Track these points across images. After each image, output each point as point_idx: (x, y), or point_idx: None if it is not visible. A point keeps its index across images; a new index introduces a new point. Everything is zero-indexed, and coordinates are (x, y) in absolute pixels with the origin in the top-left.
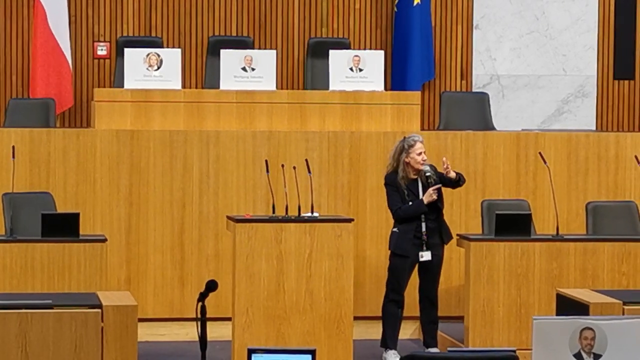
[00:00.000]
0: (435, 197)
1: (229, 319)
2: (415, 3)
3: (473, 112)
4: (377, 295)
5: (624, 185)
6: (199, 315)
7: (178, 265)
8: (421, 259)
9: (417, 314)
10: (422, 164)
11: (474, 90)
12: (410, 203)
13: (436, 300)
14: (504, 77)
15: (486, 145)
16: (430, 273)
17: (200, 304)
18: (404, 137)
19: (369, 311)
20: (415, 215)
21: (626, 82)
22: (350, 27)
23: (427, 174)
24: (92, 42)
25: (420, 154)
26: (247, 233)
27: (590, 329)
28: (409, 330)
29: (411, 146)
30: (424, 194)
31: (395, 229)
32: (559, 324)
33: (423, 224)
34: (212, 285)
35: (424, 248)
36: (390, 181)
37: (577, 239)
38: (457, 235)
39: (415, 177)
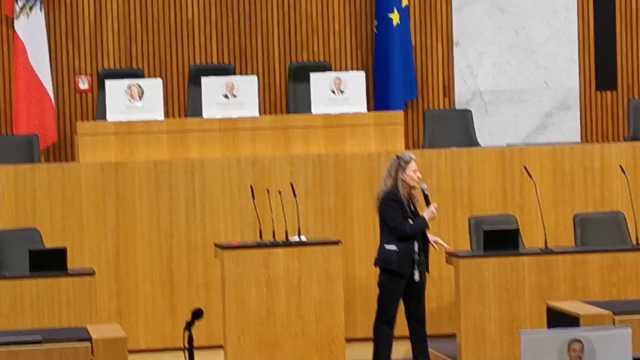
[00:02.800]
0: (436, 214)
1: (221, 346)
2: (394, 23)
3: (457, 129)
4: (369, 317)
5: (610, 196)
6: (186, 345)
7: (168, 295)
8: (415, 279)
9: (406, 333)
10: (418, 181)
11: (456, 107)
12: (411, 221)
13: (424, 318)
14: (486, 93)
15: (471, 161)
16: (418, 292)
17: (187, 332)
18: (397, 156)
19: (361, 333)
20: (418, 233)
21: (608, 92)
22: (330, 50)
23: (426, 191)
24: (74, 76)
25: (415, 171)
26: (235, 260)
27: (579, 341)
28: (400, 350)
29: (407, 163)
30: (418, 211)
31: (391, 247)
32: (546, 337)
33: (416, 243)
34: (197, 314)
35: (415, 267)
36: (395, 197)
37: (566, 252)
38: (446, 253)
39: (409, 194)
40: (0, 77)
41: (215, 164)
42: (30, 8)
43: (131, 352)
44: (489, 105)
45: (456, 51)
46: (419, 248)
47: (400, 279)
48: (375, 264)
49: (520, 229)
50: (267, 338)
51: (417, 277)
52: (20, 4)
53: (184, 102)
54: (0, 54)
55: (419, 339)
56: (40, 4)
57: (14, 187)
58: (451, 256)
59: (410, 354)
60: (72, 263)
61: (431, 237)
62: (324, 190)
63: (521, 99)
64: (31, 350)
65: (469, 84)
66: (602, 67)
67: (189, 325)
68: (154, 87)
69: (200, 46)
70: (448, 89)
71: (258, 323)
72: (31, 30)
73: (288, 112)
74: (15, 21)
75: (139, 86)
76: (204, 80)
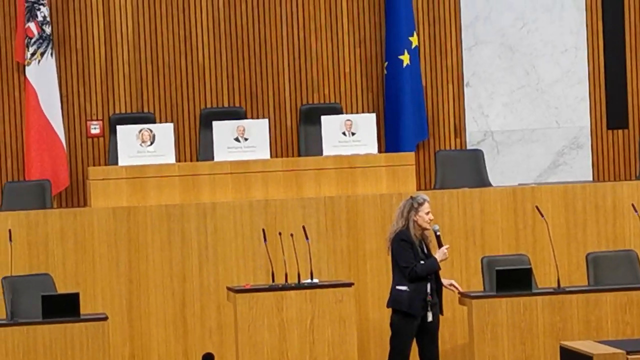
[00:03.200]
0: (448, 255)
1: None
2: (404, 64)
3: (468, 169)
4: (382, 359)
5: (623, 235)
6: None
7: (181, 339)
8: (427, 320)
9: None
10: (431, 223)
11: (468, 147)
12: (422, 262)
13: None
14: (497, 133)
15: (483, 201)
16: (432, 333)
17: None
18: (411, 197)
19: None
20: (429, 274)
21: (620, 131)
22: (341, 92)
23: (438, 232)
24: (85, 121)
25: (428, 213)
26: (247, 303)
27: None
28: None
29: (420, 204)
30: (430, 253)
31: (403, 288)
32: None
33: (428, 284)
34: (208, 358)
35: (428, 308)
36: (406, 237)
37: (579, 291)
38: (459, 293)
39: (421, 235)
40: (12, 123)
41: (227, 208)
42: (42, 54)
43: None
44: (500, 145)
45: (467, 91)
46: (432, 289)
47: (412, 320)
48: (388, 305)
49: (533, 269)
50: None
51: (429, 318)
52: (31, 50)
53: (196, 146)
54: (12, 100)
55: None
56: (51, 49)
57: (27, 233)
58: (464, 297)
59: None
60: (84, 308)
61: (445, 280)
62: (336, 232)
63: (532, 138)
64: None
65: (480, 124)
66: (613, 105)
67: None
68: (165, 131)
69: (211, 90)
70: (459, 130)
71: None
72: (42, 76)
73: (299, 154)
74: (26, 67)
75: (151, 131)
76: (215, 124)
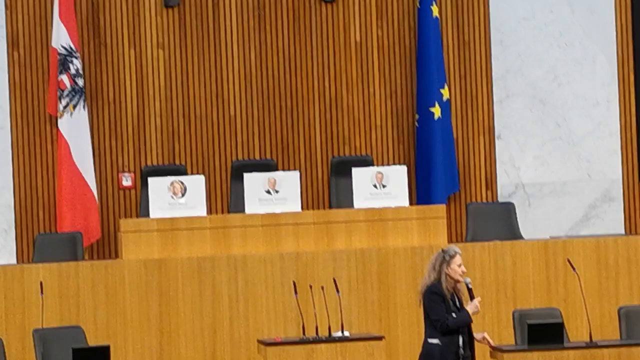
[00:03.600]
0: (480, 308)
1: None
2: (436, 117)
3: (500, 222)
4: None
5: None
6: None
7: None
8: None
9: None
10: (463, 276)
11: (499, 200)
12: (454, 314)
13: None
14: (529, 186)
15: (514, 254)
16: None
17: None
18: (443, 249)
19: None
20: (461, 327)
21: None
22: (372, 144)
23: (470, 285)
24: (117, 173)
25: (460, 265)
26: (278, 356)
27: None
28: None
29: (452, 257)
30: (462, 305)
31: (435, 341)
32: None
33: (460, 338)
34: None
35: None
36: (438, 290)
37: (611, 345)
38: (490, 347)
39: (453, 288)
40: (45, 175)
41: (258, 260)
42: (74, 106)
43: None
44: (531, 198)
45: (498, 144)
46: (464, 342)
47: None
48: (419, 359)
49: (565, 322)
50: None
51: None
52: (64, 102)
53: (227, 198)
54: (44, 152)
55: None
56: (84, 102)
57: (58, 285)
58: (495, 350)
59: None
60: None
61: (477, 334)
62: (367, 285)
63: (564, 191)
64: None
65: (512, 177)
66: None
67: None
68: (196, 183)
69: (243, 142)
70: (490, 182)
71: None
72: (75, 128)
73: (330, 206)
74: (58, 119)
75: (182, 183)
76: (247, 176)
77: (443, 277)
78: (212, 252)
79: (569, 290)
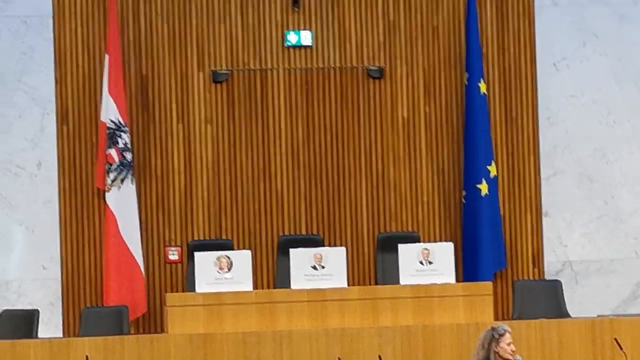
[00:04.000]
0: None
1: None
2: (483, 194)
3: (547, 299)
4: None
5: None
6: None
7: None
8: None
9: None
10: (513, 354)
11: (546, 277)
12: None
13: None
14: (576, 263)
15: (561, 333)
16: None
17: None
18: (492, 327)
19: None
20: None
21: None
22: (419, 220)
23: None
24: (164, 247)
25: (509, 344)
26: None
27: None
28: None
29: (501, 335)
30: None
31: None
32: None
33: None
34: None
35: None
36: None
37: None
38: None
39: None
40: (92, 249)
41: (304, 336)
42: (122, 180)
43: None
44: (578, 276)
45: (545, 221)
46: None
47: None
48: None
49: None
50: None
51: None
52: (112, 176)
53: (273, 273)
54: (91, 225)
55: None
56: (132, 176)
57: (104, 359)
58: None
59: None
60: None
61: None
62: None
63: (611, 269)
64: None
65: (559, 254)
66: None
67: None
68: (243, 258)
69: (289, 217)
70: (537, 259)
71: None
72: (122, 201)
73: (376, 282)
74: (106, 193)
75: (228, 258)
76: (293, 251)
77: (492, 355)
78: (258, 327)
79: None
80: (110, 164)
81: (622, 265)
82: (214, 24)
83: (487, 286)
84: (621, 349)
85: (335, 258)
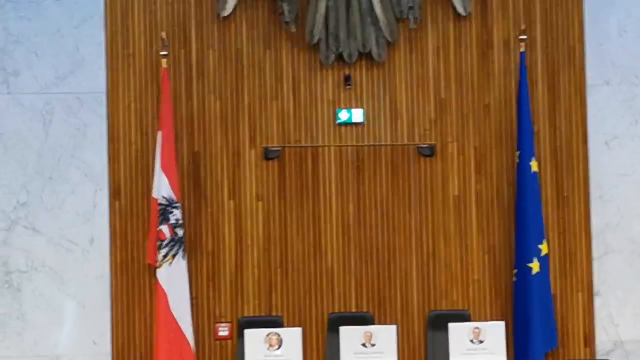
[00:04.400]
0: None
1: None
2: (534, 272)
3: None
4: None
5: None
6: None
7: None
8: None
9: None
10: None
11: (598, 357)
12: None
13: None
14: (628, 343)
15: None
16: None
17: None
18: None
19: None
20: None
21: None
22: (469, 298)
23: None
24: (214, 323)
25: None
26: None
27: None
28: None
29: None
30: None
31: None
32: None
33: None
34: None
35: None
36: None
37: None
38: None
39: None
40: (142, 324)
41: None
42: (173, 256)
43: None
44: (630, 355)
45: (597, 300)
46: None
47: None
48: None
49: None
50: None
51: None
52: (163, 252)
53: (322, 350)
54: (142, 301)
55: None
56: (183, 252)
57: None
58: None
59: None
60: None
61: None
62: None
63: None
64: None
65: (610, 334)
66: None
67: None
68: (293, 336)
69: (339, 295)
70: (589, 339)
71: None
72: (173, 277)
73: None
74: (157, 269)
75: (278, 335)
76: (342, 329)
77: None
78: None
79: None
80: (162, 240)
81: None
82: (266, 101)
83: None
84: None
85: (385, 336)
